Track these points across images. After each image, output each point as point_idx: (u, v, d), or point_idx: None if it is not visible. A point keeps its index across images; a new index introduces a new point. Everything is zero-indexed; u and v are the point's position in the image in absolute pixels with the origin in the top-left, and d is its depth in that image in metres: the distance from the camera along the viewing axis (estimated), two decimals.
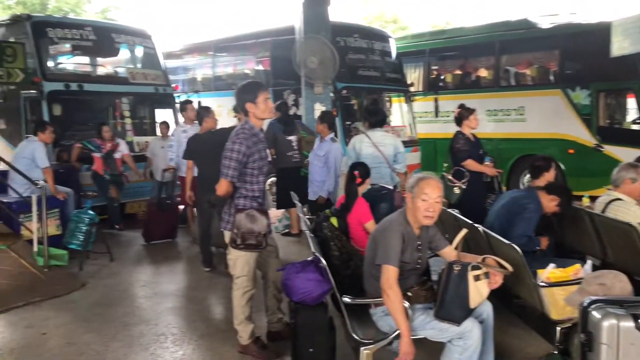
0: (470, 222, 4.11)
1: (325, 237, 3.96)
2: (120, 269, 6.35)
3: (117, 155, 8.10)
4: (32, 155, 6.63)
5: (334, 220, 4.33)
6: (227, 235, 3.75)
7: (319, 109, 8.04)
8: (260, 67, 11.19)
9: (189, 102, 8.01)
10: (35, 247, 5.96)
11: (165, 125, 8.80)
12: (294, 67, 8.24)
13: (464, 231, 3.40)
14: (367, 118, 6.03)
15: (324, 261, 3.38)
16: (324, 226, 4.10)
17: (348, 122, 9.03)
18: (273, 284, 4.05)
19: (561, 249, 4.51)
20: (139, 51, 10.39)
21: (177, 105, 10.31)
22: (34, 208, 5.94)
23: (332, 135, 6.60)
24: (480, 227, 3.93)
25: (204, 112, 6.47)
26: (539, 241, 4.09)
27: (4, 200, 6.57)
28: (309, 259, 3.51)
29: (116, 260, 6.62)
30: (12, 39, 8.80)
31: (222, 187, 3.66)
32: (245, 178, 3.70)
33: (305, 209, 6.13)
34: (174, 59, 12.45)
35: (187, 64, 12.91)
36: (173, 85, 10.55)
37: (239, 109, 3.90)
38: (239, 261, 3.76)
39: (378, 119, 5.95)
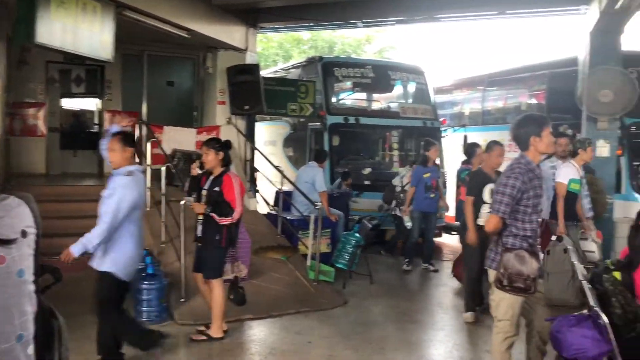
0: None
1: (605, 291, 3.46)
2: (379, 292, 6.60)
3: None
4: (313, 180, 7.41)
5: (616, 274, 3.77)
6: (492, 275, 3.57)
7: (602, 146, 7.21)
8: (534, 101, 10.61)
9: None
10: (309, 262, 6.60)
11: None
12: (575, 100, 7.59)
13: None
14: None
15: (605, 318, 2.96)
16: (604, 278, 3.59)
17: (636, 163, 7.91)
18: (538, 335, 3.69)
19: None
20: (412, 87, 10.90)
21: (443, 139, 10.45)
22: (311, 226, 6.61)
23: None
24: None
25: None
26: None
27: (288, 217, 7.48)
28: (586, 312, 3.11)
29: (376, 283, 6.90)
30: (305, 78, 10.12)
31: (491, 223, 3.50)
32: (517, 215, 3.47)
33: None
34: (443, 94, 12.65)
35: (455, 98, 12.99)
36: (441, 119, 10.72)
37: (518, 141, 3.65)
38: (503, 303, 3.53)
39: None
